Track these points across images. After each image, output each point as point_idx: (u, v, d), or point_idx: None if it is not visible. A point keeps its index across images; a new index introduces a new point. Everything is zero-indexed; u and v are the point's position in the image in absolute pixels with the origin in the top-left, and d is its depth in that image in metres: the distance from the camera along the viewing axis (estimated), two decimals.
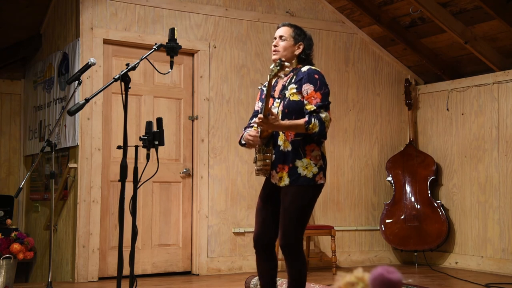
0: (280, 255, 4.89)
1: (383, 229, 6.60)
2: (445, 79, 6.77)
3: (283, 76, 3.29)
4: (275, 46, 3.54)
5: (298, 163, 3.38)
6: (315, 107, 3.33)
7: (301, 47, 3.53)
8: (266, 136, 3.42)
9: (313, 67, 3.48)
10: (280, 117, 3.38)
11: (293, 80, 3.45)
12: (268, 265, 3.53)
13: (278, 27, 3.61)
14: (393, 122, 7.03)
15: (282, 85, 3.51)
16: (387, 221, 6.60)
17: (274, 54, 3.53)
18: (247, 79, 6.26)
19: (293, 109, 3.38)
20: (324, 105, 3.36)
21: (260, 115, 3.29)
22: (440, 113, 6.78)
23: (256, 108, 3.67)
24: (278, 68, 3.20)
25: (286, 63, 3.26)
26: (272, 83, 3.58)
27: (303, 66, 3.50)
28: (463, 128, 6.52)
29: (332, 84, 6.62)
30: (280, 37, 3.54)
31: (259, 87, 3.69)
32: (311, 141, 3.39)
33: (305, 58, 3.54)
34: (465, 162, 6.46)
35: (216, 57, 6.14)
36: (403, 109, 7.05)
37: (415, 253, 6.63)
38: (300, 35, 3.55)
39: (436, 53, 6.64)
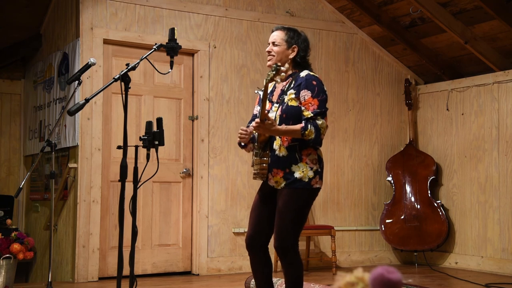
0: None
1: (383, 229, 6.60)
2: (445, 79, 6.77)
3: (279, 80, 3.29)
4: (268, 52, 3.54)
5: (294, 168, 3.37)
6: (312, 114, 3.33)
7: (296, 50, 3.50)
8: (263, 140, 3.42)
9: (311, 73, 3.47)
10: (277, 122, 3.38)
11: (291, 85, 3.44)
12: (262, 266, 3.51)
13: (272, 31, 3.59)
14: (393, 122, 7.03)
15: (281, 89, 3.50)
16: (387, 221, 6.60)
17: (268, 60, 3.54)
18: (247, 79, 6.26)
19: (291, 115, 3.38)
20: (321, 112, 3.35)
21: (257, 120, 3.31)
22: (440, 113, 6.78)
23: (255, 112, 3.67)
24: (274, 72, 3.21)
25: (282, 68, 3.26)
26: (270, 88, 3.59)
27: (302, 71, 3.48)
28: (463, 128, 6.52)
29: (332, 84, 6.62)
30: (273, 43, 3.53)
31: (256, 91, 3.70)
32: (307, 146, 3.39)
33: (300, 61, 3.51)
34: (465, 162, 6.46)
35: (216, 57, 6.14)
36: (403, 109, 7.05)
37: (415, 253, 6.63)
38: (293, 37, 3.51)
39: (436, 53, 6.64)
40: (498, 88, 6.19)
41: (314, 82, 3.40)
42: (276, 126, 3.32)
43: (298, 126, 3.32)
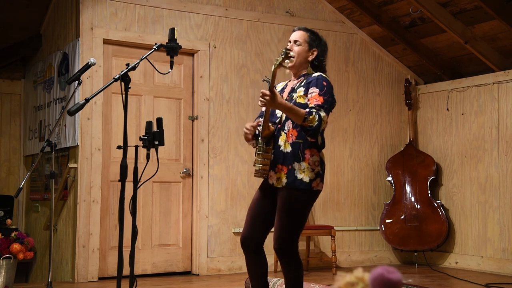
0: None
1: (383, 229, 6.60)
2: (445, 79, 6.77)
3: (287, 65, 3.27)
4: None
5: (296, 165, 3.35)
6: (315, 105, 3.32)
7: (315, 53, 3.52)
8: (266, 135, 3.40)
9: (323, 75, 3.47)
10: (284, 119, 3.39)
11: (302, 84, 3.45)
12: (256, 266, 3.49)
13: (294, 31, 3.59)
14: (393, 122, 7.03)
15: (292, 87, 3.50)
16: (387, 221, 6.60)
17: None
18: (247, 79, 6.26)
19: None
20: (325, 108, 3.34)
21: (263, 90, 3.23)
22: (440, 113, 6.78)
23: (263, 108, 3.65)
24: (282, 56, 3.19)
25: (291, 53, 3.26)
26: (282, 86, 3.59)
27: (315, 72, 3.48)
28: (463, 128, 6.52)
29: (332, 84, 6.61)
30: (295, 41, 3.52)
31: (264, 79, 3.67)
32: (311, 145, 3.37)
33: (318, 64, 3.52)
34: (465, 162, 6.46)
35: (216, 57, 6.14)
36: (403, 109, 7.05)
37: (415, 253, 6.63)
38: (315, 40, 3.53)
39: (436, 53, 6.64)
40: (498, 88, 6.19)
41: (324, 83, 3.40)
42: (282, 99, 3.26)
43: (303, 110, 3.26)
